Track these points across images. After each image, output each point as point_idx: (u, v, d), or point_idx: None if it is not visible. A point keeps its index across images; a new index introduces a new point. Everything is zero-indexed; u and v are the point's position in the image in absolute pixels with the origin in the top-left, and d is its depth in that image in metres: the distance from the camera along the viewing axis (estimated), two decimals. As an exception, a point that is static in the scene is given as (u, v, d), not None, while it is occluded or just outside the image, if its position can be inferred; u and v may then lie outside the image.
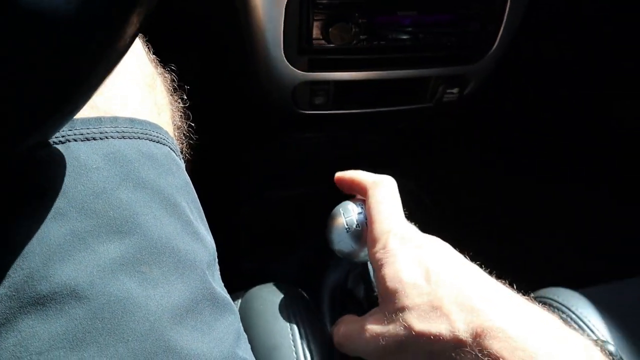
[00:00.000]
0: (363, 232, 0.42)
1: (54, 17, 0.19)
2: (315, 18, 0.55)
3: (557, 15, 0.85)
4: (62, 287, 0.25)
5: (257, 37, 0.56)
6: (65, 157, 0.28)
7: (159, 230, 0.29)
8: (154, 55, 0.39)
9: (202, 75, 0.81)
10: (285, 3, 0.52)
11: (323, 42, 0.56)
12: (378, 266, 0.37)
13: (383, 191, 0.41)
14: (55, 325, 0.25)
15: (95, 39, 0.21)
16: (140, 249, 0.28)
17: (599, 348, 0.30)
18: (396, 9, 0.57)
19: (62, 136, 0.28)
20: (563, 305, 0.49)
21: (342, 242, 0.42)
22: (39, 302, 0.25)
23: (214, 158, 0.74)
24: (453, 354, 0.31)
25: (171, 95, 0.40)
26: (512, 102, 1.08)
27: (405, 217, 0.41)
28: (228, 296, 0.34)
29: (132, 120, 0.31)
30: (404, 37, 0.59)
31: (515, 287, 0.35)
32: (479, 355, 0.30)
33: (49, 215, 0.26)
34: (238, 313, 0.35)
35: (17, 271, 0.25)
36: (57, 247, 0.26)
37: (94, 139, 0.29)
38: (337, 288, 0.49)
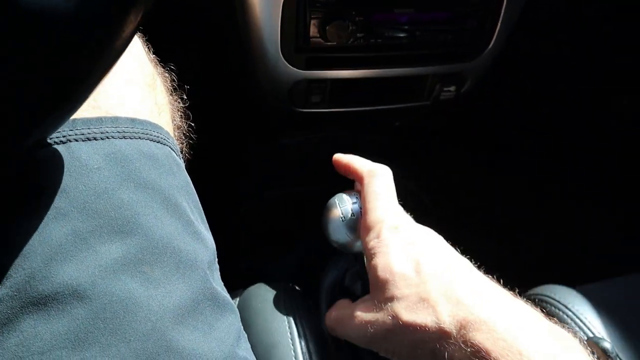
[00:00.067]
0: (358, 222, 0.42)
1: (53, 16, 0.19)
2: (312, 16, 0.55)
3: (556, 15, 0.85)
4: (64, 287, 0.25)
5: (255, 35, 0.56)
6: (67, 157, 0.28)
7: (160, 230, 0.29)
8: (154, 55, 0.39)
9: (200, 74, 0.81)
10: (282, 1, 0.52)
11: (320, 40, 0.56)
12: (370, 255, 0.38)
13: (378, 181, 0.41)
14: (57, 325, 0.25)
15: (94, 37, 0.22)
16: (142, 249, 0.28)
17: (578, 340, 0.31)
18: (393, 6, 0.57)
19: (63, 136, 0.28)
20: (559, 302, 0.50)
21: (337, 232, 0.43)
22: (41, 302, 0.25)
23: (213, 158, 0.74)
24: (437, 345, 0.32)
25: (171, 95, 0.40)
26: (510, 99, 1.08)
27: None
28: (228, 296, 0.34)
29: (133, 120, 0.31)
30: (401, 35, 0.59)
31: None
32: (463, 346, 0.31)
33: (51, 215, 0.26)
34: (238, 312, 0.35)
35: (19, 271, 0.25)
36: (59, 247, 0.26)
37: (95, 139, 0.29)
38: (335, 286, 0.49)
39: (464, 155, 1.13)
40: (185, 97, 0.41)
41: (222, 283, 0.36)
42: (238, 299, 0.49)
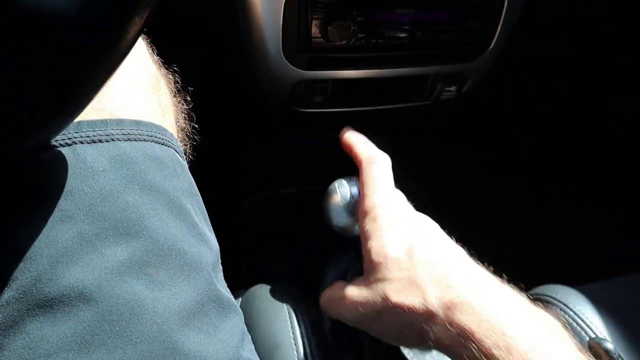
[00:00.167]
0: (357, 205, 0.43)
1: (53, 17, 0.19)
2: (313, 16, 0.54)
3: (556, 15, 0.85)
4: (70, 289, 0.25)
5: (256, 35, 0.56)
6: (72, 159, 0.28)
7: (165, 232, 0.29)
8: (158, 57, 0.39)
9: (202, 75, 0.81)
10: (284, 1, 0.52)
11: (322, 40, 0.56)
12: (366, 238, 0.39)
13: (376, 168, 0.43)
14: (64, 328, 0.25)
15: (96, 40, 0.21)
16: (147, 251, 0.28)
17: (561, 324, 0.32)
18: (394, 7, 0.57)
19: (69, 138, 0.28)
20: (561, 302, 0.50)
21: (337, 215, 0.44)
22: (47, 304, 0.25)
23: (213, 158, 0.74)
24: (425, 326, 0.33)
25: (175, 96, 0.40)
26: (511, 98, 1.08)
27: None
28: (232, 297, 0.35)
29: (137, 123, 0.31)
30: (402, 35, 0.59)
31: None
32: (449, 326, 0.32)
33: (56, 218, 0.26)
34: (242, 313, 0.35)
35: (25, 274, 0.25)
36: (65, 250, 0.26)
37: (100, 141, 0.29)
38: None
39: (465, 155, 1.13)
40: (189, 99, 0.41)
41: (226, 284, 0.36)
42: (240, 299, 0.49)
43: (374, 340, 0.40)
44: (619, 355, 0.34)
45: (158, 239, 0.29)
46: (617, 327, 0.47)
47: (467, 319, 0.31)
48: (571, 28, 0.92)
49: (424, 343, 0.34)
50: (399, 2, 0.57)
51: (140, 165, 0.30)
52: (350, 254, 0.47)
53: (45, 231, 0.26)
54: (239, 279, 0.47)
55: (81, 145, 0.28)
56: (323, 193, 0.47)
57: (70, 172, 0.27)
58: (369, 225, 0.39)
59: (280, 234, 0.99)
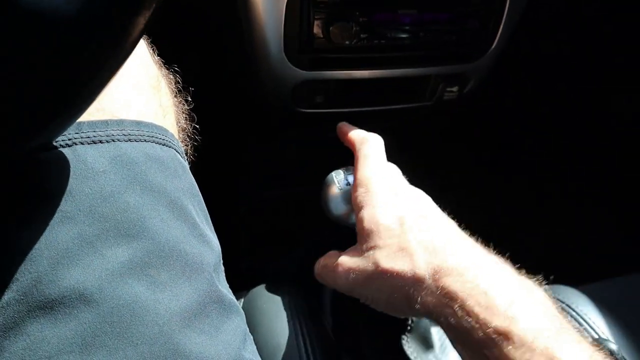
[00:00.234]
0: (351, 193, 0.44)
1: (53, 17, 0.19)
2: (315, 17, 0.54)
3: (556, 15, 0.85)
4: (71, 291, 0.25)
5: (258, 35, 0.56)
6: (72, 160, 0.28)
7: (166, 233, 0.29)
8: (158, 57, 0.39)
9: (201, 75, 0.80)
10: (285, 2, 0.52)
11: (324, 40, 0.56)
12: (359, 208, 0.40)
13: (368, 145, 0.44)
14: (64, 330, 0.25)
15: (97, 40, 0.21)
16: (148, 252, 0.28)
17: (542, 289, 0.33)
18: (396, 7, 0.57)
19: (69, 139, 0.28)
20: (563, 302, 0.50)
21: (334, 204, 0.46)
22: (48, 306, 0.25)
23: (213, 158, 0.74)
24: (412, 289, 0.35)
25: (175, 97, 0.40)
26: (511, 98, 1.08)
27: None
28: (234, 298, 0.34)
29: (138, 123, 0.31)
30: (404, 35, 0.59)
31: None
32: (435, 290, 0.33)
33: (57, 219, 0.26)
34: (243, 314, 0.35)
35: (25, 275, 0.25)
36: (65, 251, 0.26)
37: (101, 141, 0.29)
38: None
39: (465, 155, 1.13)
40: (189, 99, 0.41)
41: (228, 285, 0.36)
42: (242, 300, 0.49)
43: (375, 340, 0.40)
44: (622, 356, 0.34)
45: (159, 240, 0.29)
46: (620, 327, 0.47)
47: (451, 281, 0.33)
48: (571, 28, 0.92)
49: (411, 307, 0.35)
50: (401, 3, 0.57)
51: (141, 165, 0.30)
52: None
53: (45, 232, 0.26)
54: (239, 279, 0.47)
55: (82, 146, 0.28)
56: (321, 184, 0.48)
57: (70, 172, 0.27)
58: (361, 196, 0.40)
59: (280, 234, 0.99)
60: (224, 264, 0.36)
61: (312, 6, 0.54)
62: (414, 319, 0.50)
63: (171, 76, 0.40)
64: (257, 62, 0.59)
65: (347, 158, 0.48)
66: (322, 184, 0.47)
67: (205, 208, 0.36)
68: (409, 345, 0.48)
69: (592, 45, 0.96)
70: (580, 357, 0.28)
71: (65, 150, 0.28)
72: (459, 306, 0.32)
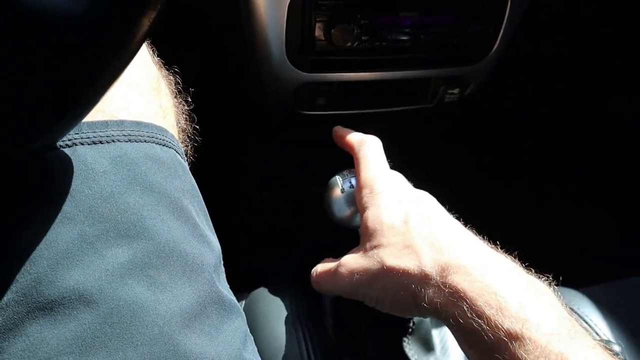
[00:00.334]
0: (355, 195, 0.44)
1: (56, 17, 0.19)
2: (317, 19, 0.54)
3: (554, 16, 0.85)
4: (71, 291, 0.25)
5: (259, 37, 0.56)
6: (73, 160, 0.28)
7: (166, 234, 0.29)
8: (158, 58, 0.39)
9: (201, 76, 0.80)
10: (287, 4, 0.52)
11: (325, 42, 0.56)
12: (363, 209, 0.40)
13: (367, 147, 0.45)
14: (64, 330, 0.24)
15: (99, 41, 0.21)
16: (149, 253, 0.28)
17: (547, 282, 0.33)
18: (398, 10, 0.57)
19: (69, 140, 0.28)
20: (566, 304, 0.49)
21: (338, 207, 0.46)
22: (47, 307, 0.25)
23: (212, 158, 0.74)
24: (419, 287, 0.34)
25: (175, 97, 0.40)
26: (512, 100, 1.08)
27: None
28: (234, 298, 0.34)
29: (138, 124, 0.31)
30: (405, 38, 0.59)
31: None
32: (442, 287, 0.32)
33: (57, 220, 0.26)
34: (244, 315, 0.35)
35: (25, 276, 0.25)
36: (65, 252, 0.26)
37: (101, 142, 0.29)
38: None
39: (466, 157, 1.13)
40: (189, 100, 0.41)
41: (228, 286, 0.35)
42: (244, 301, 0.49)
43: (377, 342, 0.40)
44: (625, 358, 0.34)
45: (159, 241, 0.28)
46: (622, 330, 0.47)
47: (460, 279, 0.32)
48: (569, 29, 0.92)
49: (417, 306, 0.34)
50: (402, 6, 0.57)
51: (141, 166, 0.30)
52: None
53: (46, 233, 0.26)
54: (238, 279, 0.47)
55: (82, 146, 0.28)
56: (324, 186, 0.48)
57: (71, 173, 0.27)
58: (366, 197, 0.40)
59: (280, 234, 0.98)
60: (223, 264, 0.36)
61: (314, 8, 0.54)
62: (415, 321, 0.50)
63: (171, 77, 0.40)
64: (258, 64, 0.59)
65: (347, 158, 0.48)
66: (325, 187, 0.47)
67: (206, 208, 0.36)
68: (410, 348, 0.48)
69: (590, 46, 0.97)
70: None
71: (65, 151, 0.28)
72: (467, 306, 0.31)
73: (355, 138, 0.46)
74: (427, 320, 0.51)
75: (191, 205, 0.33)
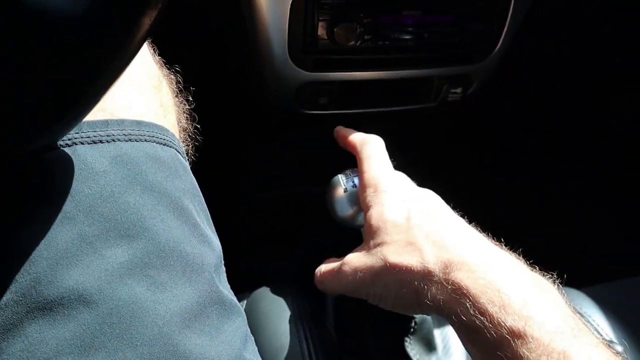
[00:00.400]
0: (359, 194, 0.44)
1: (57, 17, 0.19)
2: (320, 18, 0.54)
3: (556, 15, 0.85)
4: (70, 292, 0.25)
5: (262, 36, 0.55)
6: (73, 160, 0.27)
7: (166, 234, 0.29)
8: (159, 57, 0.39)
9: (201, 75, 0.80)
10: (290, 3, 0.52)
11: (328, 41, 0.56)
12: (367, 208, 0.40)
13: (370, 146, 0.45)
14: (63, 331, 0.24)
15: (100, 41, 0.21)
16: (148, 253, 0.28)
17: (552, 280, 0.33)
18: (401, 9, 0.57)
19: (69, 139, 0.28)
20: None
21: (340, 206, 0.46)
22: (46, 307, 0.25)
23: (213, 158, 0.74)
24: (422, 284, 0.34)
25: (176, 96, 0.40)
26: (514, 99, 1.08)
27: None
28: (235, 298, 0.34)
29: (138, 123, 0.31)
30: (408, 37, 0.59)
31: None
32: (445, 284, 0.32)
33: (57, 219, 0.26)
34: (245, 315, 0.35)
35: (24, 276, 0.25)
36: (65, 252, 0.26)
37: (101, 141, 0.29)
38: None
39: (469, 156, 1.13)
40: (190, 99, 0.41)
41: (229, 286, 0.35)
42: (246, 301, 0.49)
43: (379, 342, 0.39)
44: (627, 358, 0.33)
45: (159, 240, 0.28)
46: (625, 329, 0.47)
47: (463, 276, 0.32)
48: (571, 28, 0.92)
49: (420, 303, 0.34)
50: (405, 4, 0.57)
51: (141, 165, 0.29)
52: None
53: (45, 233, 0.26)
54: (239, 279, 0.47)
55: (82, 146, 0.28)
56: (327, 186, 0.48)
57: (71, 173, 0.27)
58: (370, 196, 0.40)
59: (280, 234, 0.98)
60: (224, 264, 0.36)
61: (317, 7, 0.53)
62: (417, 320, 0.49)
63: (172, 76, 0.40)
64: (260, 63, 0.59)
65: (348, 158, 0.48)
66: (327, 187, 0.47)
67: (206, 208, 0.36)
68: (412, 347, 0.48)
69: (591, 45, 0.96)
70: None
71: (65, 150, 0.28)
72: (470, 303, 0.31)
73: (357, 138, 0.46)
74: (429, 319, 0.51)
75: (192, 205, 0.33)
